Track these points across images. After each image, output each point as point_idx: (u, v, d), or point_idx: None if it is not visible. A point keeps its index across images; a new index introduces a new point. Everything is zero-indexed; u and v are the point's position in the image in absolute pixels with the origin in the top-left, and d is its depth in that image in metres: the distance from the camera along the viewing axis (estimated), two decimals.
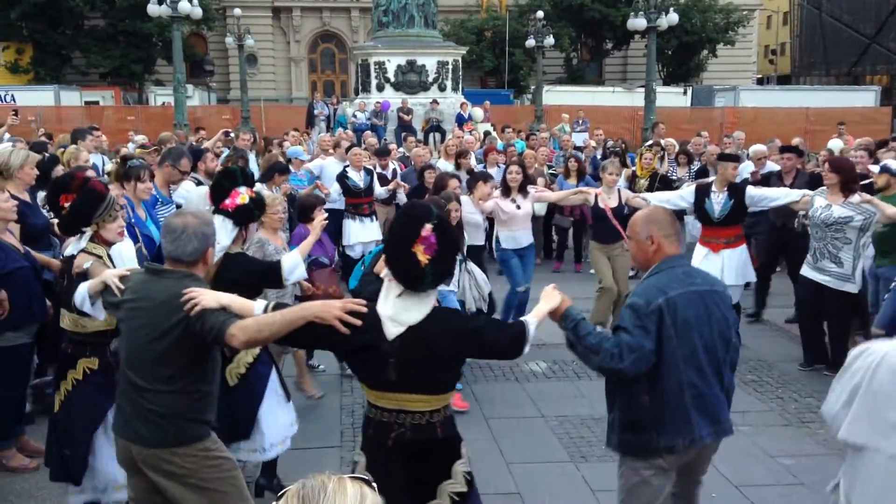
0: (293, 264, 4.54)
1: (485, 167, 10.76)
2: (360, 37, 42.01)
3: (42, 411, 5.80)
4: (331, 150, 11.10)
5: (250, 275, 4.43)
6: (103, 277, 3.55)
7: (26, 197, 5.80)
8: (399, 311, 2.92)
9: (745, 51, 45.62)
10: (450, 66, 21.36)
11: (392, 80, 20.91)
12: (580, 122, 21.04)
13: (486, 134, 16.92)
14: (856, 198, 6.47)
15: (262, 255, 5.20)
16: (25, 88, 31.45)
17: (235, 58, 32.93)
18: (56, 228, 4.97)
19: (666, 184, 9.91)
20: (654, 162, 10.32)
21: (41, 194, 6.32)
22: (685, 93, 34.54)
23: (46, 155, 7.76)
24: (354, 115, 20.33)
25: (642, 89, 22.49)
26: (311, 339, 3.04)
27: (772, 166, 9.77)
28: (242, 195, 4.48)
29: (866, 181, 7.53)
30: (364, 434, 3.11)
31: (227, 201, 4.47)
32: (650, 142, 13.15)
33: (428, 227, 2.90)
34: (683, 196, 7.51)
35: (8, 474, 5.04)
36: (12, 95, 29.05)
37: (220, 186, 4.55)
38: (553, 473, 5.15)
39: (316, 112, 23.24)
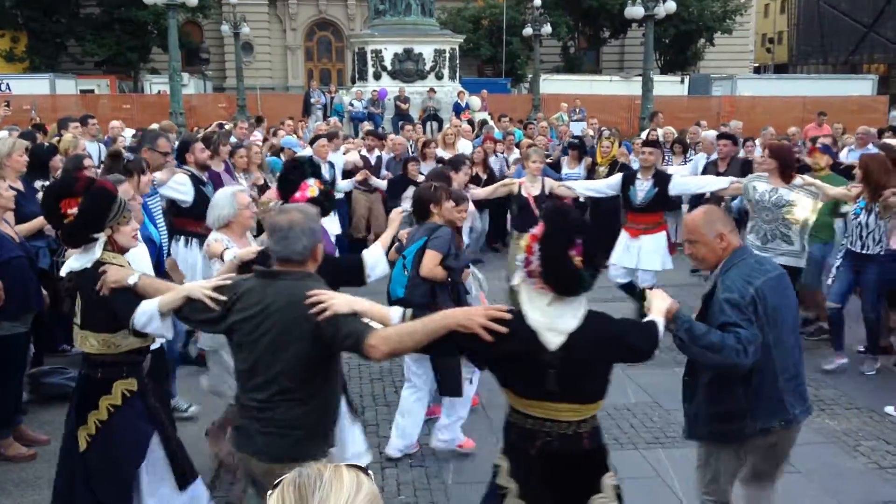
0: (376, 259, 4.11)
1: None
2: (357, 25, 41.87)
3: (38, 400, 5.81)
4: None
5: (330, 272, 3.94)
6: (188, 293, 3.16)
7: (19, 185, 5.79)
8: (553, 319, 2.80)
9: (742, 39, 45.59)
10: (447, 55, 21.27)
11: (389, 68, 20.81)
12: (577, 110, 21.01)
13: (484, 123, 16.89)
14: (798, 180, 6.69)
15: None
16: (21, 77, 31.24)
17: (231, 46, 32.85)
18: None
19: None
20: (613, 149, 10.12)
21: (38, 184, 6.30)
22: (682, 81, 34.53)
23: (46, 144, 7.72)
24: (351, 104, 20.28)
25: (639, 78, 22.40)
26: (453, 349, 2.89)
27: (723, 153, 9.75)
28: (312, 187, 4.23)
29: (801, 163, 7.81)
30: (506, 439, 2.99)
31: (297, 195, 4.20)
32: (646, 131, 13.14)
33: None
34: (610, 184, 7.70)
35: (6, 463, 5.04)
36: (7, 84, 28.90)
37: (289, 180, 4.30)
38: None
39: (312, 100, 23.16)
